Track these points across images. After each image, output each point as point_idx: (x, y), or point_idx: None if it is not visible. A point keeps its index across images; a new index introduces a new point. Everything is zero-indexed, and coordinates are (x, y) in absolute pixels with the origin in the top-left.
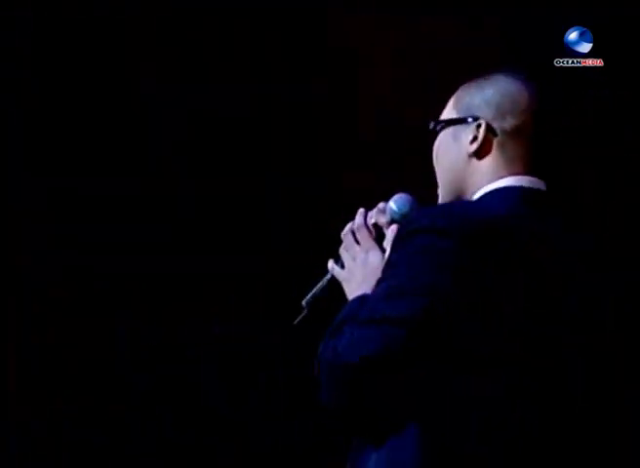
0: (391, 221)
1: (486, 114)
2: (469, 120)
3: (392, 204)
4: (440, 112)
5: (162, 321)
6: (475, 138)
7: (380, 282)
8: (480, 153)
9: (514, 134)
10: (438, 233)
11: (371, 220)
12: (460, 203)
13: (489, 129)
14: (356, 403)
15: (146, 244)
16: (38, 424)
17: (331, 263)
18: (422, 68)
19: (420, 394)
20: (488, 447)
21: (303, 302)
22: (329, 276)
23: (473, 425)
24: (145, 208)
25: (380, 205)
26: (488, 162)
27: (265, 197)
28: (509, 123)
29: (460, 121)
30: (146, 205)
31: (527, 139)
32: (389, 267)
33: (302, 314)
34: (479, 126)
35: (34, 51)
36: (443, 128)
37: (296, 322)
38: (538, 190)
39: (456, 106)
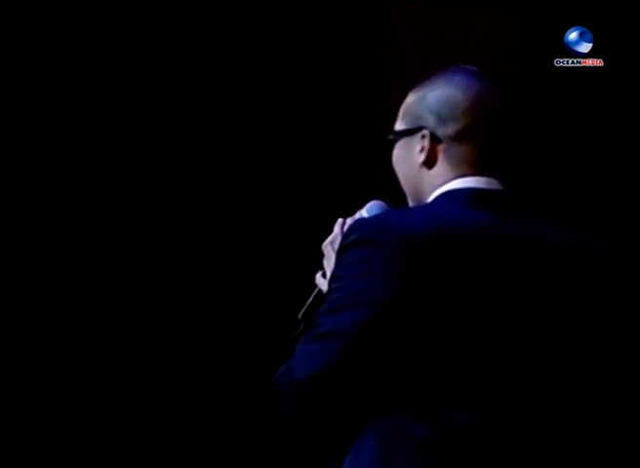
0: None
1: (429, 123)
2: (415, 130)
3: (365, 212)
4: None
5: (161, 321)
6: (422, 149)
7: (326, 296)
8: (429, 162)
9: (458, 138)
10: (372, 244)
11: None
12: (396, 211)
13: (433, 138)
14: (308, 417)
15: (146, 244)
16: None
17: (318, 275)
18: (421, 69)
19: (374, 401)
20: (443, 448)
21: (299, 316)
22: (318, 289)
23: (426, 430)
24: (144, 207)
25: (357, 214)
26: (437, 168)
27: (285, 197)
28: (451, 128)
29: (407, 132)
30: (145, 204)
31: (472, 141)
32: (331, 282)
33: (300, 327)
34: (423, 136)
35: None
36: (395, 140)
37: (294, 335)
38: (488, 190)
39: (404, 117)
